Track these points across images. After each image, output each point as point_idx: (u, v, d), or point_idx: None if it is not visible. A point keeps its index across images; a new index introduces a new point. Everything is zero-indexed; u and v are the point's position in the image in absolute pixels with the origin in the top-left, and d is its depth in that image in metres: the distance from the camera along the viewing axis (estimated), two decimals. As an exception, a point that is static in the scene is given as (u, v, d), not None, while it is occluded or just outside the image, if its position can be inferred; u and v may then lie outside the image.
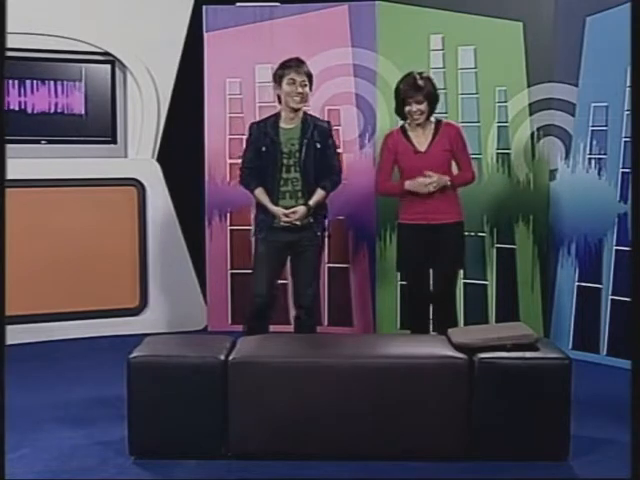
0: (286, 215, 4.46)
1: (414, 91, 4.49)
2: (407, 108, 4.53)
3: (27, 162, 5.44)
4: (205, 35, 5.80)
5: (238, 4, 5.82)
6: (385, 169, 4.71)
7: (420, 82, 4.51)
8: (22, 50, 5.42)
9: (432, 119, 4.63)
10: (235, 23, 5.79)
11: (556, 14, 5.16)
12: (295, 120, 4.52)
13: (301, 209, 4.47)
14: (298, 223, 4.49)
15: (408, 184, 4.56)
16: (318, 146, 4.51)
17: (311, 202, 4.52)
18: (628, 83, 4.79)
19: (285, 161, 4.49)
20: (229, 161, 5.84)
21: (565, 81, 5.17)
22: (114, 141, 5.88)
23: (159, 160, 5.92)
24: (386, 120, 5.61)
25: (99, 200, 5.77)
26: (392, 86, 5.52)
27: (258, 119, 4.80)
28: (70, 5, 5.60)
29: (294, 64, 4.50)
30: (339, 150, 5.73)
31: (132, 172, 5.86)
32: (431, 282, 4.74)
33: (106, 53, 5.76)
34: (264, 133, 4.53)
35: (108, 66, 5.80)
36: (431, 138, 4.58)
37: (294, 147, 4.49)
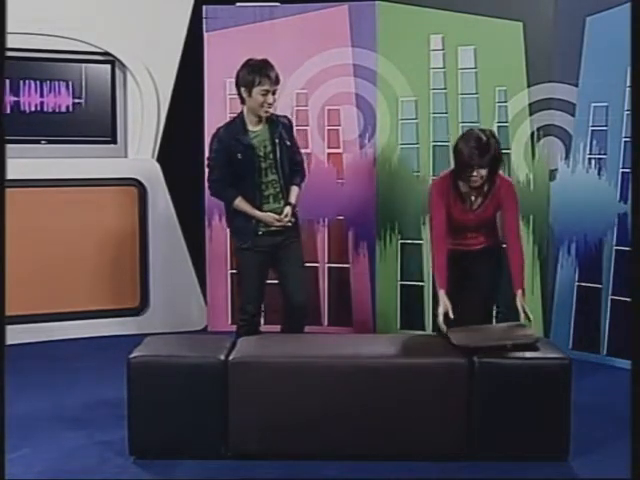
0: (278, 220, 4.35)
1: (478, 157, 3.87)
2: (467, 172, 3.91)
3: (27, 162, 5.44)
4: (205, 35, 5.80)
5: (238, 4, 5.82)
6: (439, 215, 4.06)
7: (485, 141, 3.89)
8: (22, 50, 5.42)
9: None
10: (235, 23, 5.78)
11: (556, 14, 5.16)
12: (261, 121, 4.35)
13: (289, 209, 4.39)
14: (290, 223, 4.40)
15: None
16: (288, 144, 4.41)
17: (293, 200, 4.43)
18: (628, 83, 4.79)
19: (263, 164, 4.33)
20: (229, 161, 5.84)
21: (565, 81, 5.17)
22: (114, 141, 5.88)
23: (159, 160, 5.92)
24: (386, 120, 5.61)
25: (99, 200, 5.77)
26: (392, 86, 5.57)
27: (220, 126, 4.47)
28: (70, 5, 5.60)
29: (267, 71, 4.26)
30: (339, 150, 5.76)
31: (132, 172, 5.86)
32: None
33: (106, 53, 5.76)
34: (235, 139, 4.30)
35: (108, 66, 5.80)
36: (484, 197, 4.05)
37: (267, 149, 4.33)
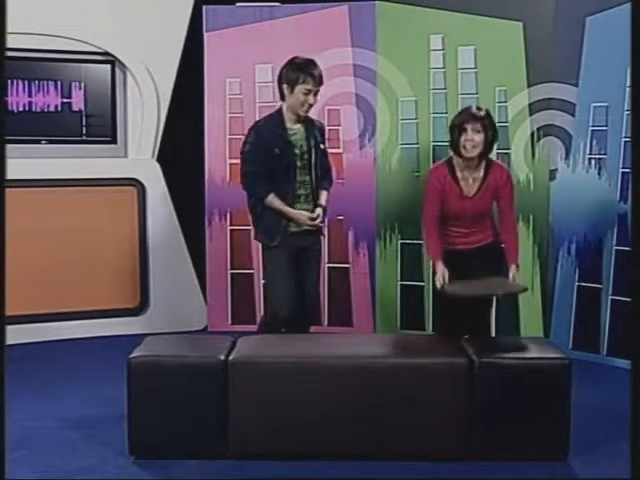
0: (312, 219, 4.31)
1: (472, 119, 4.02)
2: (462, 137, 4.01)
3: (27, 162, 5.44)
4: (205, 35, 5.80)
5: (238, 4, 5.83)
6: (433, 208, 4.12)
7: (480, 113, 4.06)
8: (22, 50, 5.42)
9: (482, 161, 4.11)
10: (235, 23, 5.79)
11: (556, 14, 5.16)
12: (298, 120, 4.33)
13: (320, 211, 4.36)
14: (322, 225, 4.38)
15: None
16: (322, 147, 4.40)
17: (324, 203, 4.40)
18: (628, 83, 4.79)
19: (298, 163, 4.29)
20: (229, 161, 5.84)
21: (565, 81, 5.17)
22: (114, 141, 5.88)
23: (159, 160, 5.92)
24: (386, 120, 5.61)
25: (99, 200, 5.77)
26: (392, 86, 5.56)
27: (259, 119, 4.52)
28: (70, 5, 5.60)
29: (311, 69, 4.23)
30: (339, 150, 5.76)
31: (132, 172, 5.86)
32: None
33: (106, 53, 5.76)
34: (275, 134, 4.25)
35: (108, 66, 5.80)
36: (480, 183, 4.10)
37: (302, 148, 4.30)
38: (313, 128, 4.38)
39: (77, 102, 5.77)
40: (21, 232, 5.33)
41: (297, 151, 4.31)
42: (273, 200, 4.27)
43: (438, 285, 4.02)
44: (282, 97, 4.33)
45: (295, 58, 4.34)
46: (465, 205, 4.10)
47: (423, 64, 5.45)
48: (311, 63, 4.29)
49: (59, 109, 5.74)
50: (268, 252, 4.39)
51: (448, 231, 4.17)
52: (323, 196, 4.42)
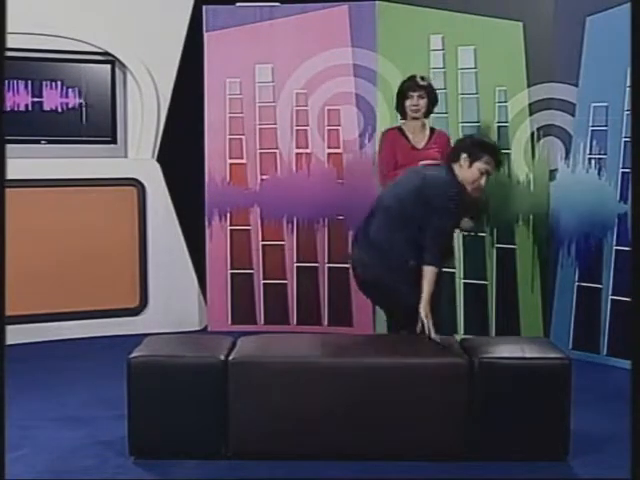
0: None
1: (417, 87, 4.78)
2: (408, 102, 4.78)
3: (27, 162, 5.44)
4: (205, 35, 5.81)
5: (238, 4, 5.83)
6: (388, 161, 4.75)
7: (422, 82, 4.80)
8: (22, 50, 5.42)
9: (427, 123, 4.87)
10: (235, 23, 5.79)
11: (556, 14, 5.16)
12: None
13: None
14: None
15: None
16: None
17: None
18: (628, 83, 4.79)
19: None
20: (229, 161, 5.85)
21: (565, 81, 5.17)
22: (114, 141, 5.88)
23: (159, 160, 5.92)
24: (386, 120, 5.60)
25: (99, 200, 5.77)
26: (392, 86, 5.55)
27: (452, 177, 3.98)
28: (70, 5, 5.60)
29: (499, 157, 4.04)
30: (339, 150, 5.76)
31: (132, 172, 5.86)
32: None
33: (106, 53, 5.76)
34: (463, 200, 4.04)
35: (108, 66, 5.80)
36: (427, 139, 4.82)
37: None
38: None
39: (77, 102, 5.77)
40: (21, 232, 5.32)
41: None
42: (434, 274, 3.91)
43: None
44: (453, 160, 4.01)
45: (485, 138, 4.40)
46: (416, 156, 4.62)
47: (423, 64, 5.45)
48: (500, 150, 4.14)
49: (59, 109, 5.74)
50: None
51: None
52: None
